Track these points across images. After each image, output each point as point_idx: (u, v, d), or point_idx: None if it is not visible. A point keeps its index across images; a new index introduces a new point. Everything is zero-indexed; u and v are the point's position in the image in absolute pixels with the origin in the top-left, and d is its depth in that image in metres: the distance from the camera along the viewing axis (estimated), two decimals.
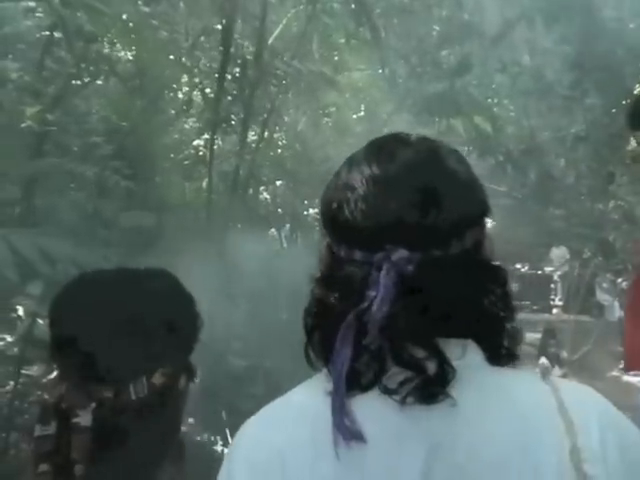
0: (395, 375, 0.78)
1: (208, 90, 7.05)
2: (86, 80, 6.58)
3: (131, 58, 6.87)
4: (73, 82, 6.31)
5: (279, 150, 7.18)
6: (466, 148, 7.92)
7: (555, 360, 7.12)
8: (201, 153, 7.97)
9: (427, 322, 0.80)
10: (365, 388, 0.79)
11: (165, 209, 5.72)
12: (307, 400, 0.83)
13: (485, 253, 0.87)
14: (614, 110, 4.72)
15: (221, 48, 6.03)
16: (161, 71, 6.57)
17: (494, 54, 4.80)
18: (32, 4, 6.57)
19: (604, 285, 10.12)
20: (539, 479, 0.73)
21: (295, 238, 6.51)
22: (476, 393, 0.78)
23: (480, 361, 0.83)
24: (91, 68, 6.60)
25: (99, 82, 6.87)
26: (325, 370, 0.83)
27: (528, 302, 11.23)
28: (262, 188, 7.68)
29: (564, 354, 8.04)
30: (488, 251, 0.87)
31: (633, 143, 2.98)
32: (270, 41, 5.89)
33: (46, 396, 0.98)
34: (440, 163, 0.86)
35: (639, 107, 2.95)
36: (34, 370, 6.04)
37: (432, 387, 0.76)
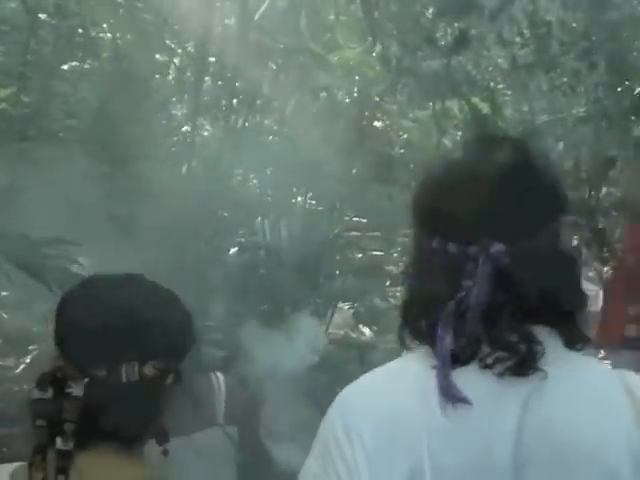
0: (490, 354, 0.93)
1: (189, 74, 6.78)
2: (73, 63, 6.40)
3: (106, 38, 6.62)
4: (54, 64, 6.13)
5: (270, 137, 6.94)
6: (459, 133, 7.66)
7: None
8: (189, 140, 7.71)
9: (518, 310, 0.92)
10: (464, 363, 0.93)
11: (148, 196, 5.47)
12: (412, 369, 0.97)
13: (563, 245, 0.96)
14: (619, 89, 4.49)
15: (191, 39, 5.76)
16: (148, 54, 6.37)
17: (493, 28, 4.56)
18: None
19: (589, 274, 9.97)
20: (609, 436, 0.88)
21: (278, 229, 6.26)
22: (559, 369, 0.93)
23: (560, 344, 0.97)
24: (78, 53, 6.43)
25: (86, 66, 6.72)
26: (424, 348, 0.97)
27: None
28: (252, 176, 7.44)
29: None
30: (565, 243, 0.97)
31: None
32: (256, 18, 5.65)
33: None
34: (530, 164, 0.98)
35: None
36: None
37: (525, 364, 0.91)
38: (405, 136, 8.94)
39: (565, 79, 4.63)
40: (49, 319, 4.95)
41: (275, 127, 7.00)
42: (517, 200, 0.93)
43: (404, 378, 0.99)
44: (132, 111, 6.06)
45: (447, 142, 9.03)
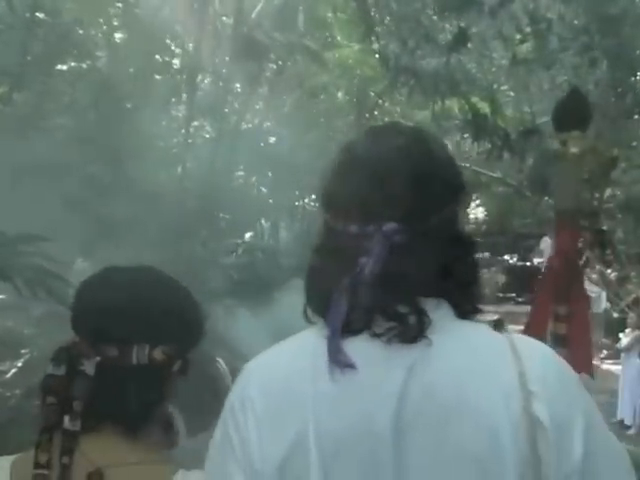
0: (381, 324, 0.95)
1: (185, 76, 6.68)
2: (72, 64, 6.36)
3: (103, 37, 6.55)
4: (50, 63, 6.07)
5: (270, 139, 6.86)
6: (458, 137, 7.57)
7: None
8: (190, 140, 7.61)
9: (410, 284, 0.96)
10: (356, 332, 0.96)
11: (147, 197, 5.39)
12: (308, 340, 1.00)
13: (459, 227, 1.02)
14: (619, 89, 4.39)
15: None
16: (147, 54, 6.31)
17: (493, 25, 4.46)
18: None
19: (593, 276, 9.85)
20: (491, 394, 0.92)
21: (276, 231, 6.16)
22: (445, 336, 0.96)
23: (450, 314, 1.00)
24: (73, 51, 6.39)
25: (83, 65, 6.68)
26: (322, 321, 0.99)
27: (514, 294, 11.10)
28: (254, 179, 7.35)
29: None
30: (461, 225, 1.02)
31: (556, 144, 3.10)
32: (253, 16, 5.56)
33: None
34: (424, 149, 1.01)
35: (560, 111, 3.16)
36: None
37: (413, 332, 0.95)
38: None
39: (566, 77, 4.52)
40: (42, 322, 4.80)
41: (275, 128, 6.92)
42: (412, 183, 0.98)
43: (298, 347, 1.03)
44: (129, 112, 5.98)
45: (448, 144, 8.93)
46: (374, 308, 0.96)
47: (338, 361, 0.95)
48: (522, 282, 11.11)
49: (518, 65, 4.73)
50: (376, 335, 0.95)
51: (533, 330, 3.44)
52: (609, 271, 9.38)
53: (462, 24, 4.22)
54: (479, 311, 1.03)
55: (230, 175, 5.64)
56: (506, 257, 12.54)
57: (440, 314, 0.98)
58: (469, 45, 4.46)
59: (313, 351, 0.98)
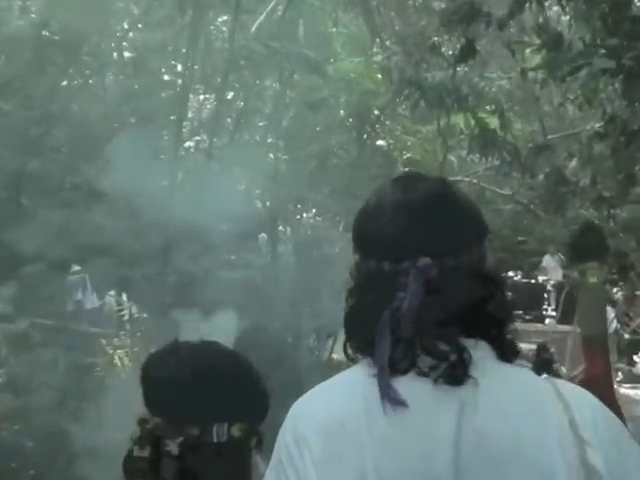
0: (425, 361, 1.00)
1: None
2: (80, 81, 6.40)
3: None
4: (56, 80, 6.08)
5: (270, 153, 6.73)
6: (465, 152, 7.39)
7: (555, 377, 6.61)
8: (193, 151, 7.54)
9: (447, 321, 1.01)
10: (402, 372, 1.00)
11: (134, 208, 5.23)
12: (356, 378, 1.04)
13: (488, 266, 1.09)
14: (636, 104, 4.18)
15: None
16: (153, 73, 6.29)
17: (501, 37, 4.28)
18: (28, 3, 6.45)
19: None
20: (545, 441, 0.94)
21: (274, 249, 5.97)
22: (490, 379, 0.99)
23: (491, 355, 1.03)
24: (87, 71, 6.45)
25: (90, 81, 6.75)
26: (366, 360, 1.03)
27: (520, 312, 10.99)
28: (258, 191, 7.24)
29: (563, 370, 7.51)
30: (489, 264, 1.10)
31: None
32: (253, 29, 5.44)
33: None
34: (451, 194, 1.11)
35: (575, 245, 3.40)
36: None
37: (458, 371, 0.98)
38: (409, 155, 8.71)
39: (579, 92, 4.32)
40: (23, 338, 4.64)
41: (277, 143, 6.80)
42: (440, 223, 1.05)
43: (348, 388, 1.05)
44: (133, 126, 5.95)
45: (453, 159, 8.75)
46: (416, 344, 0.99)
47: (390, 398, 0.97)
48: (527, 299, 11.01)
49: (528, 78, 4.53)
50: (423, 373, 0.98)
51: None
52: (615, 290, 9.16)
53: (469, 36, 4.01)
54: (519, 353, 1.05)
55: (225, 189, 5.47)
56: (510, 274, 12.47)
57: (480, 354, 1.01)
58: (476, 58, 4.25)
59: (363, 390, 1.00)
